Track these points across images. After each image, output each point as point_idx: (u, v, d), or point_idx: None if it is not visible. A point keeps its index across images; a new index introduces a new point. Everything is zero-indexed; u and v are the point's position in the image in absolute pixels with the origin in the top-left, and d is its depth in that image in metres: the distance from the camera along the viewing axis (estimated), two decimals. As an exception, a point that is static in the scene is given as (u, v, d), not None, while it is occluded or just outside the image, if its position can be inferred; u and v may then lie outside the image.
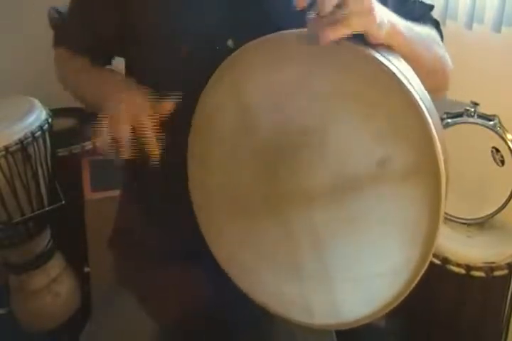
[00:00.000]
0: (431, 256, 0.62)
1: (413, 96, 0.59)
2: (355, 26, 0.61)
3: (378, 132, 0.62)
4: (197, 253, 0.81)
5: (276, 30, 0.66)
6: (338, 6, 0.61)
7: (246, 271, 0.77)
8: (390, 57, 0.62)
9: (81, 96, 0.93)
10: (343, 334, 0.89)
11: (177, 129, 0.78)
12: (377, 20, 0.63)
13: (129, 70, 0.91)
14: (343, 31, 0.61)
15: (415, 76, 0.64)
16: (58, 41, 0.97)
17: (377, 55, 0.61)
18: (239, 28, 0.70)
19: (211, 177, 0.77)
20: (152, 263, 0.91)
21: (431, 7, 0.91)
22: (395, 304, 0.65)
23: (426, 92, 0.63)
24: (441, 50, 0.83)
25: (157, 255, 0.90)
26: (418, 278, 0.63)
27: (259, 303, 0.77)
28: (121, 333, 0.88)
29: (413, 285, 0.63)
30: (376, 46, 0.63)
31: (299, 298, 0.73)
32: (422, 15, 0.80)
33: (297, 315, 0.74)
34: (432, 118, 0.60)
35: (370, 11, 0.62)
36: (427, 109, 0.60)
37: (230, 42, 0.76)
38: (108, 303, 0.94)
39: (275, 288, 0.75)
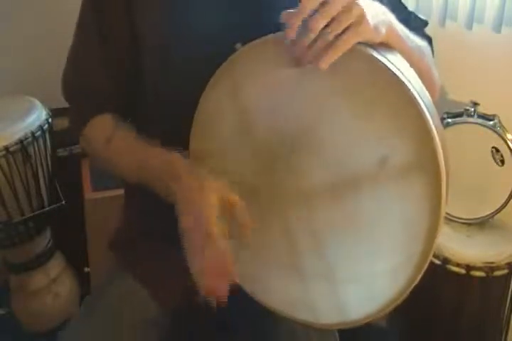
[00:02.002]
0: (432, 253, 0.62)
1: (411, 93, 0.59)
2: (349, 42, 0.61)
3: (377, 130, 0.62)
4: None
5: None
6: (327, 25, 0.61)
7: (249, 272, 0.77)
8: (388, 55, 0.63)
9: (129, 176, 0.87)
10: (344, 334, 0.89)
11: (179, 132, 0.78)
12: (372, 25, 0.62)
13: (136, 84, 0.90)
14: (338, 53, 0.61)
15: (413, 73, 0.64)
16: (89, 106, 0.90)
17: (375, 53, 0.61)
18: (247, 31, 0.70)
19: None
20: (154, 254, 0.91)
21: (426, 23, 0.91)
22: (398, 302, 0.65)
23: (425, 89, 0.63)
24: (431, 64, 0.82)
25: (158, 253, 0.90)
26: (420, 276, 0.63)
27: (263, 303, 0.77)
28: (119, 310, 0.88)
29: (415, 283, 0.64)
30: (373, 44, 0.63)
31: (303, 298, 0.73)
32: (416, 28, 0.80)
33: (302, 314, 0.74)
34: (431, 115, 0.60)
35: (362, 18, 0.61)
36: (426, 107, 0.60)
37: (238, 46, 0.76)
38: (107, 281, 0.93)
39: (278, 288, 0.75)
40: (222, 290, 0.67)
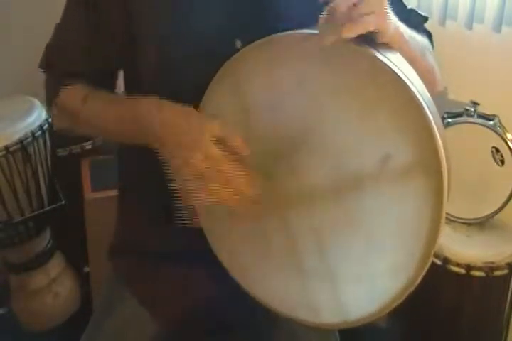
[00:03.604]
0: (433, 253, 0.62)
1: (413, 93, 0.59)
2: (371, 24, 0.62)
3: (379, 130, 0.62)
4: (199, 254, 0.81)
5: (282, 31, 0.66)
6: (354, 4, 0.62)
7: (249, 272, 0.77)
8: (389, 55, 0.63)
9: (101, 130, 0.86)
10: (344, 334, 0.89)
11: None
12: (388, 18, 0.64)
13: (131, 77, 0.90)
14: (359, 30, 0.61)
15: (414, 73, 0.64)
16: (57, 60, 0.89)
17: (377, 54, 0.61)
18: (246, 28, 0.70)
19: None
20: (153, 264, 0.91)
21: (426, 19, 0.92)
22: (398, 302, 0.65)
23: (425, 89, 0.63)
24: (432, 61, 0.84)
25: (159, 256, 0.90)
26: (421, 276, 0.63)
27: (263, 304, 0.77)
28: (122, 333, 0.88)
29: (416, 283, 0.64)
30: (375, 44, 0.64)
31: (304, 298, 0.73)
32: (416, 24, 0.81)
33: (302, 314, 0.74)
34: (432, 115, 0.60)
35: (382, 10, 0.63)
36: (427, 106, 0.60)
37: (237, 43, 0.76)
38: (108, 303, 0.94)
39: (279, 288, 0.75)
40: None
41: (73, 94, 0.86)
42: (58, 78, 0.89)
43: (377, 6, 0.63)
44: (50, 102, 0.90)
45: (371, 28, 0.62)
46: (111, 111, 0.82)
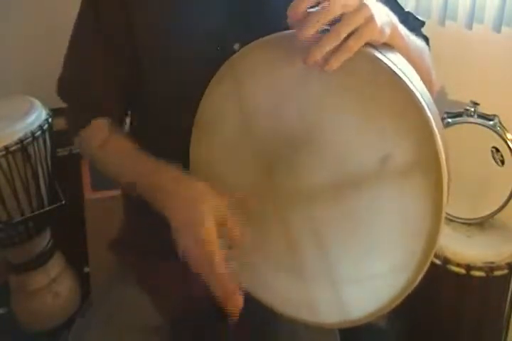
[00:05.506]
0: (433, 253, 0.62)
1: (413, 93, 0.59)
2: (360, 43, 0.60)
3: (379, 130, 0.62)
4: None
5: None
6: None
7: (250, 271, 0.77)
8: (389, 55, 0.63)
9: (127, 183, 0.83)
10: (344, 334, 0.89)
11: (179, 132, 0.78)
12: (379, 25, 0.61)
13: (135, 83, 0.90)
14: (348, 54, 0.60)
15: (414, 73, 0.64)
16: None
17: (377, 53, 0.61)
18: (246, 31, 0.70)
19: (214, 179, 0.77)
20: (155, 261, 0.91)
21: (422, 23, 0.92)
22: (398, 301, 0.65)
23: (425, 89, 0.63)
24: (430, 65, 0.83)
25: (160, 253, 0.90)
26: (421, 276, 0.63)
27: (264, 303, 0.77)
28: (118, 322, 0.88)
29: (416, 283, 0.63)
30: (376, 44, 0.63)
31: (304, 297, 0.73)
32: (414, 29, 0.81)
33: (303, 314, 0.74)
34: (432, 115, 0.60)
35: (370, 19, 0.60)
36: (428, 106, 0.60)
37: (236, 46, 0.76)
38: (107, 290, 0.93)
39: (280, 287, 0.75)
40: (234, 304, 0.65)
41: (94, 133, 0.87)
42: (81, 112, 0.90)
43: (360, 17, 0.60)
44: (73, 132, 0.91)
45: (360, 45, 0.60)
46: (127, 167, 0.81)
